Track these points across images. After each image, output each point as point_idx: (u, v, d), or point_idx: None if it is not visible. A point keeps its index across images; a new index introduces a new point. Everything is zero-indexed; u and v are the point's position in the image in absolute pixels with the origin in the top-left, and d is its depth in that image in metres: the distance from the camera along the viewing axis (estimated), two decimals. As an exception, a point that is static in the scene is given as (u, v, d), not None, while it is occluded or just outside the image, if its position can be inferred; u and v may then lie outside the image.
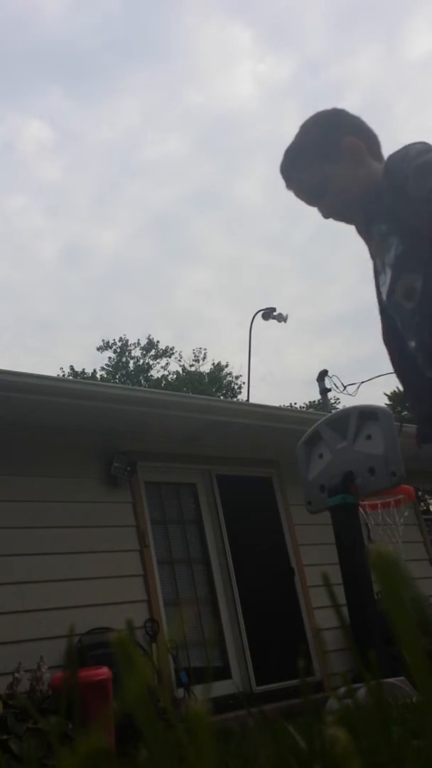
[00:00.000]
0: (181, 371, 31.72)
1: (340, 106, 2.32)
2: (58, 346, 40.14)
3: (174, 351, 31.95)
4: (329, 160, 2.24)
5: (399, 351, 2.25)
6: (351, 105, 2.24)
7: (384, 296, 2.22)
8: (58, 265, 41.83)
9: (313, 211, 2.34)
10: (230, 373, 31.46)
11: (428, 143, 2.05)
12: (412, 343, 2.16)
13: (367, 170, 2.22)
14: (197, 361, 32.02)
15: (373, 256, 2.30)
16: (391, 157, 2.11)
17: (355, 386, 14.54)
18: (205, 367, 31.85)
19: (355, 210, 2.25)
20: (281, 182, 2.34)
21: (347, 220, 2.31)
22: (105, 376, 30.27)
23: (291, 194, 2.34)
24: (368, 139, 2.27)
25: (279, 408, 8.05)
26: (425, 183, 1.93)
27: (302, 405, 28.07)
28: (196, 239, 42.03)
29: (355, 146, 2.23)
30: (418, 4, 39.62)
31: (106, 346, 31.32)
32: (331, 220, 2.32)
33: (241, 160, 43.14)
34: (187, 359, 32.08)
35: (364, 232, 2.29)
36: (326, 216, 2.30)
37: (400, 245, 2.10)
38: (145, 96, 41.75)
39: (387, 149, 2.22)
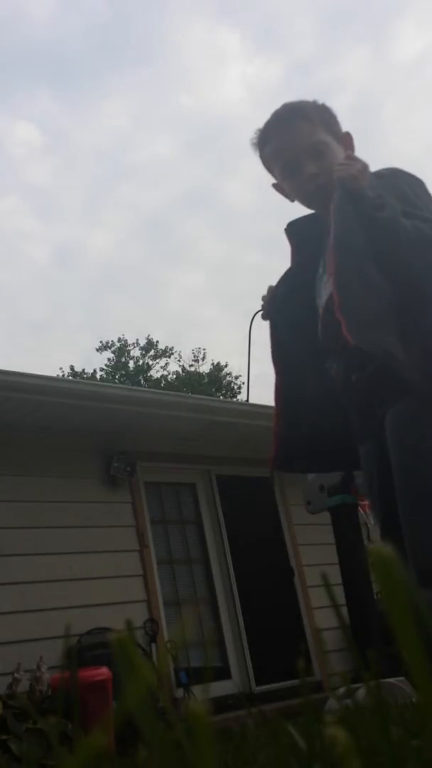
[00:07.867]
0: (180, 371, 31.70)
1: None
2: (53, 348, 40.09)
3: (173, 351, 31.95)
4: (330, 133, 2.12)
5: (303, 357, 2.19)
6: (340, 107, 2.21)
7: (323, 302, 2.11)
8: (52, 266, 41.76)
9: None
10: (230, 374, 31.42)
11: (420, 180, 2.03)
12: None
13: None
14: (197, 361, 32.00)
15: (316, 255, 2.19)
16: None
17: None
18: (205, 368, 31.82)
19: (324, 197, 2.04)
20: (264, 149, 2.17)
21: (313, 201, 2.14)
22: (104, 376, 30.23)
23: (275, 167, 2.17)
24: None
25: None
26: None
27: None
28: (190, 241, 41.99)
29: (351, 140, 2.16)
30: (406, 7, 39.70)
31: (104, 347, 31.29)
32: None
33: (232, 161, 43.00)
34: (187, 359, 32.06)
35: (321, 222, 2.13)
36: (311, 178, 2.09)
37: None
38: (133, 98, 41.63)
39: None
